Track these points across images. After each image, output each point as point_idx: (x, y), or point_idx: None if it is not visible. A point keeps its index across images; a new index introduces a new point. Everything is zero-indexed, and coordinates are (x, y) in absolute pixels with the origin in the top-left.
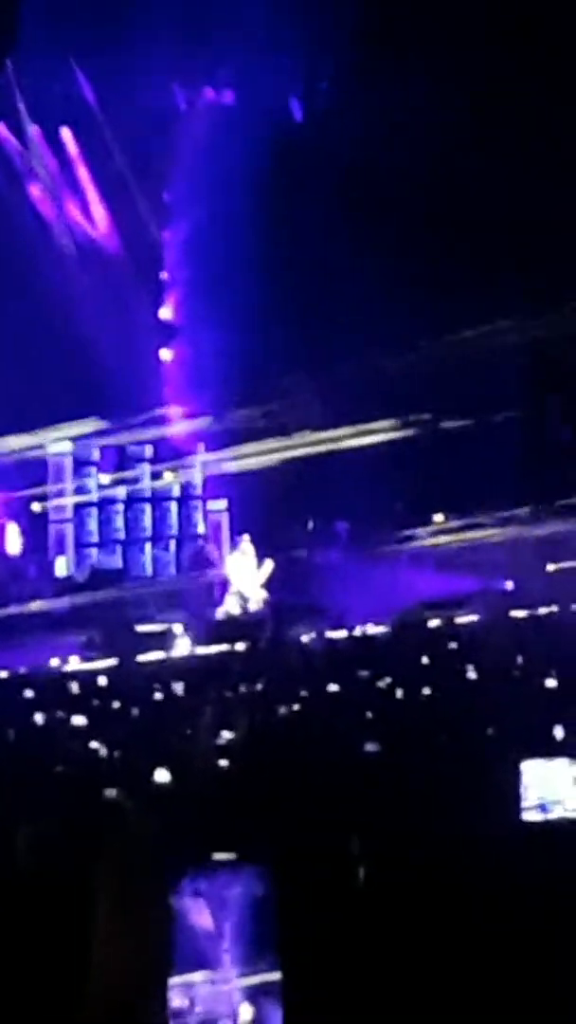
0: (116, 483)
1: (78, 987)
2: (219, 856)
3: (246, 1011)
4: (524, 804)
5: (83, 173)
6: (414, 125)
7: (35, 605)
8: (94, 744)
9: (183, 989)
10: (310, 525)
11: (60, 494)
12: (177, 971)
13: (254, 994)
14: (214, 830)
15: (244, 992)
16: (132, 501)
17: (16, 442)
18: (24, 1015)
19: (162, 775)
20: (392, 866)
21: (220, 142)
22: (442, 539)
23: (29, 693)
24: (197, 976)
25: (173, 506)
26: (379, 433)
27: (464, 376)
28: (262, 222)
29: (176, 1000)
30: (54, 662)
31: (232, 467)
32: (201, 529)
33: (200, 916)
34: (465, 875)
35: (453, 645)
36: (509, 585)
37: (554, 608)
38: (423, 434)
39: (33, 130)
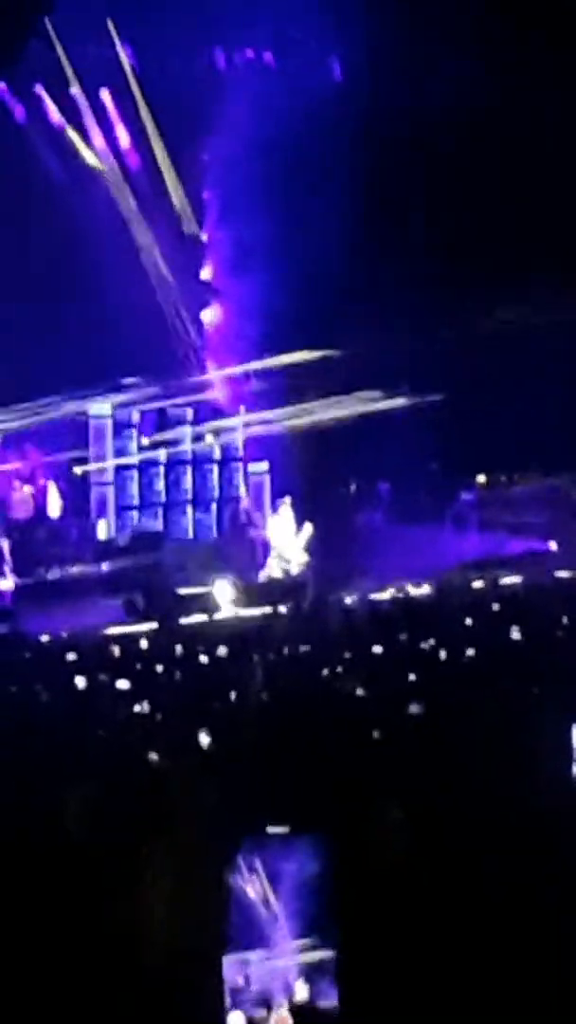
0: (157, 446)
1: (131, 961)
2: (273, 829)
3: (301, 988)
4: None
5: (123, 134)
6: (456, 85)
7: (76, 568)
8: (137, 708)
9: (238, 965)
10: (352, 487)
11: (101, 457)
12: (232, 947)
13: (309, 971)
14: (260, 800)
15: (299, 969)
16: (173, 464)
17: (57, 402)
18: (75, 989)
19: (204, 740)
20: (440, 831)
21: (260, 102)
22: (486, 500)
23: (71, 656)
24: (252, 953)
25: (214, 469)
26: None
27: (509, 339)
28: (302, 183)
29: (231, 976)
30: (96, 625)
31: (274, 429)
32: (243, 492)
33: (257, 890)
34: (515, 838)
35: (496, 607)
36: (553, 546)
37: None
38: (466, 395)
39: (73, 91)
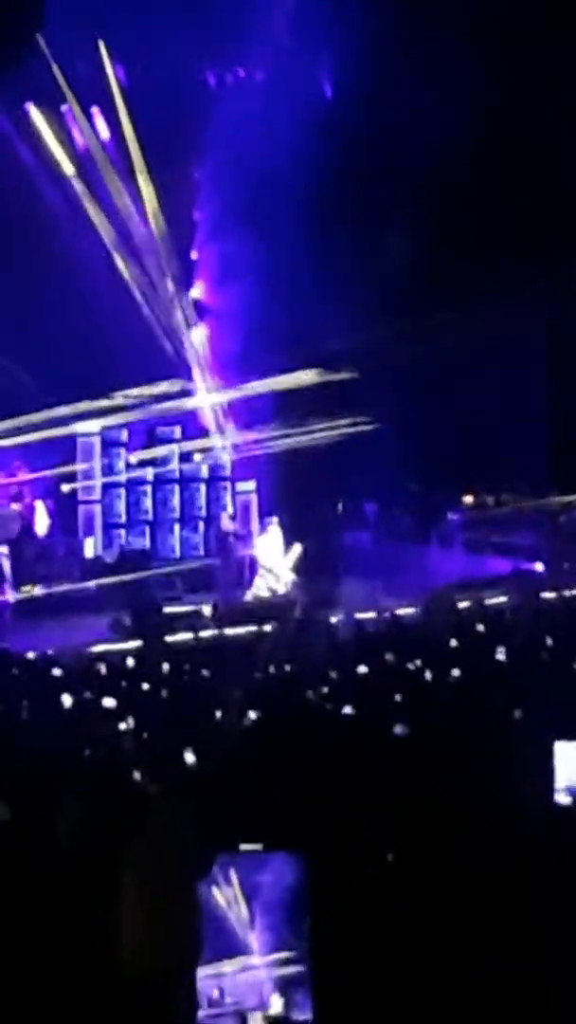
0: (144, 464)
1: (108, 972)
2: (247, 847)
3: (276, 1001)
4: (556, 786)
5: (112, 152)
6: (446, 104)
7: (63, 586)
8: (122, 726)
9: (214, 978)
10: (339, 507)
11: (89, 475)
12: (207, 960)
13: (284, 984)
14: (243, 817)
15: (274, 982)
16: (160, 482)
17: (44, 419)
18: (54, 999)
19: (189, 758)
20: (422, 850)
21: (251, 120)
22: (472, 520)
23: (57, 673)
24: (227, 966)
25: (202, 487)
26: (407, 413)
27: (493, 355)
28: (293, 200)
29: (207, 989)
30: (83, 643)
31: (261, 448)
32: (230, 510)
33: (233, 904)
34: (496, 859)
35: (482, 627)
36: (539, 566)
37: None
38: (453, 414)
39: (65, 108)
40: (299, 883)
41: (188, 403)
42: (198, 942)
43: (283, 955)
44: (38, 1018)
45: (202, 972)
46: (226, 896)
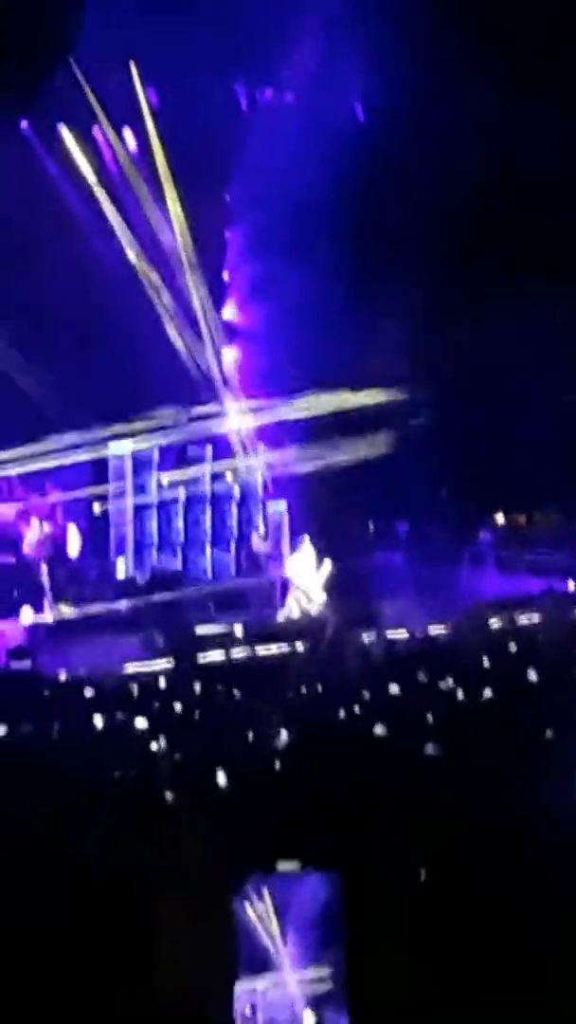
0: (176, 484)
1: (142, 989)
2: (284, 866)
3: (308, 1018)
4: None
5: (142, 172)
6: (476, 126)
7: (95, 607)
8: (154, 747)
9: (246, 995)
10: (371, 526)
11: (120, 495)
12: (242, 976)
13: (316, 1001)
14: (277, 836)
15: (306, 999)
16: (192, 502)
17: (76, 441)
18: (87, 1018)
19: (222, 779)
20: (455, 869)
21: (281, 142)
22: (504, 539)
23: (89, 694)
24: (261, 982)
25: (233, 507)
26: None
27: (529, 377)
28: (324, 222)
29: (239, 1006)
30: (115, 663)
31: (293, 468)
32: (261, 530)
33: (266, 922)
34: (528, 879)
35: (514, 647)
36: (572, 585)
37: None
38: (485, 433)
39: (94, 130)
40: (333, 901)
41: (219, 423)
42: (232, 959)
43: (316, 972)
44: None
45: (236, 988)
46: (260, 913)
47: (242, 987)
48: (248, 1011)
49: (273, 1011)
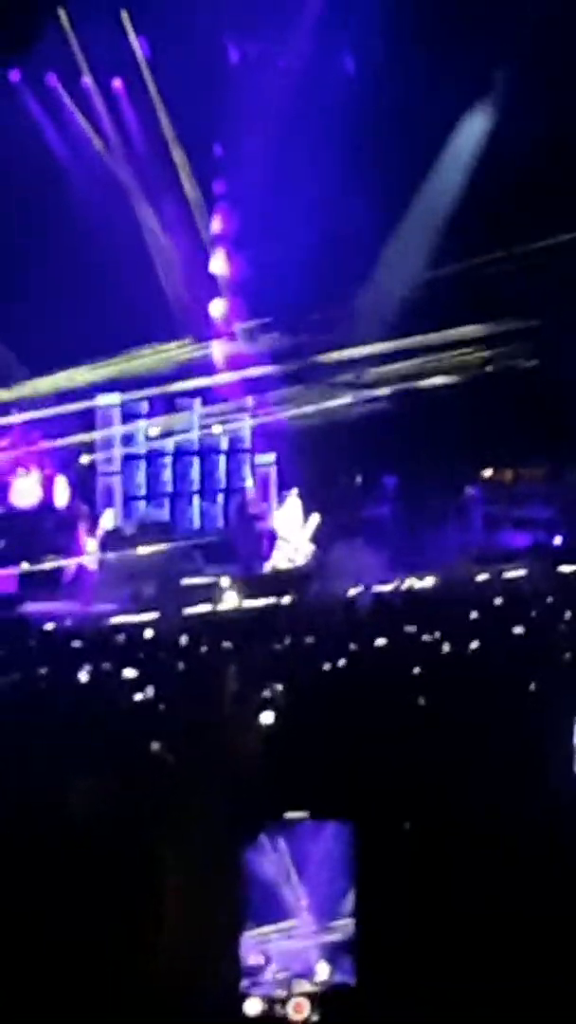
0: (164, 435)
1: (147, 944)
2: (292, 815)
3: (323, 969)
4: None
5: (135, 125)
6: (469, 83)
7: (82, 557)
8: (141, 697)
9: (258, 943)
10: (358, 479)
11: (108, 446)
12: (249, 927)
13: (331, 950)
14: (270, 785)
15: (321, 949)
16: (180, 454)
17: (62, 383)
18: (91, 973)
19: (211, 729)
20: (442, 824)
21: (273, 97)
22: (491, 494)
23: (76, 644)
24: (273, 931)
25: (221, 459)
26: (428, 382)
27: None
28: (313, 175)
29: (251, 954)
30: (101, 614)
31: (280, 421)
32: (249, 483)
33: (272, 869)
34: (519, 832)
35: (500, 600)
36: (557, 540)
37: None
38: (472, 388)
39: (85, 81)
40: (344, 850)
41: (208, 374)
42: (239, 913)
43: (330, 922)
44: (73, 990)
45: (246, 938)
46: (271, 862)
47: (253, 936)
48: (261, 960)
49: (286, 961)
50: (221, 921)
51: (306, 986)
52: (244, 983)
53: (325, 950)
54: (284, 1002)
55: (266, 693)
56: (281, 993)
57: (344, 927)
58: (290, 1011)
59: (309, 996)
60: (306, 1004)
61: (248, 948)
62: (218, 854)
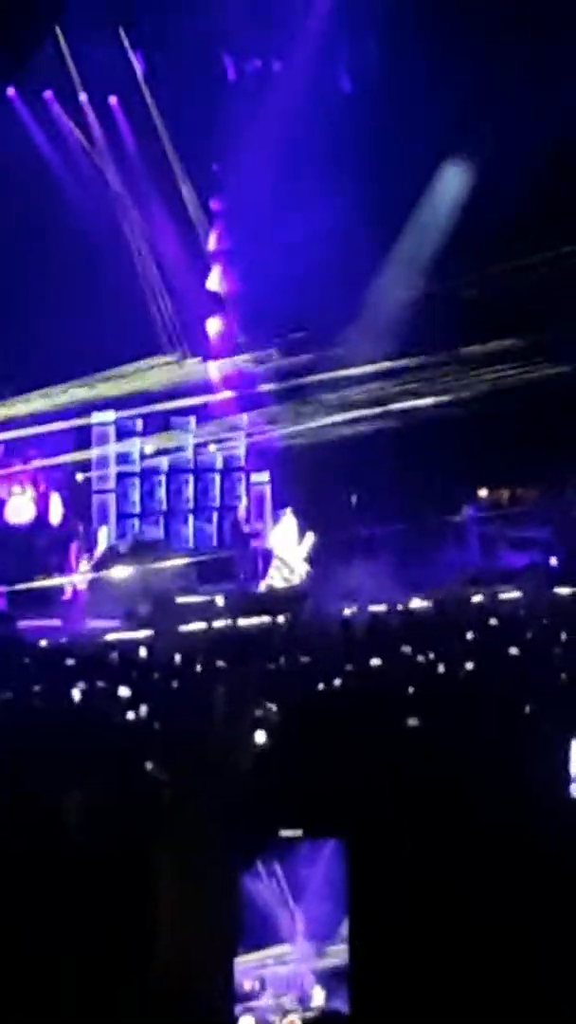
0: (159, 453)
1: (139, 965)
2: (287, 833)
3: (319, 994)
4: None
5: (131, 142)
6: (465, 97)
7: (76, 575)
8: (134, 715)
9: (253, 969)
10: (353, 498)
11: (103, 464)
12: (244, 950)
13: (326, 975)
14: (266, 807)
15: (316, 973)
16: (175, 472)
17: (57, 400)
18: (83, 996)
19: (203, 748)
20: (435, 844)
21: (271, 114)
22: (487, 514)
23: (70, 662)
24: (268, 956)
25: (216, 478)
26: (424, 401)
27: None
28: (311, 191)
29: (246, 982)
30: (95, 632)
31: (276, 440)
32: (244, 501)
33: (268, 894)
34: (514, 855)
35: (496, 621)
36: (553, 561)
37: None
38: (469, 404)
39: (81, 97)
40: (340, 871)
41: (204, 393)
42: (232, 932)
43: (326, 946)
44: (67, 1013)
45: (241, 963)
46: (266, 886)
47: (248, 961)
48: (256, 986)
49: (281, 986)
50: (215, 944)
51: (300, 1010)
52: (238, 1008)
53: (321, 976)
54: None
55: (260, 712)
56: (274, 1017)
57: (339, 952)
58: None
59: (301, 1019)
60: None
61: (243, 973)
62: (213, 876)
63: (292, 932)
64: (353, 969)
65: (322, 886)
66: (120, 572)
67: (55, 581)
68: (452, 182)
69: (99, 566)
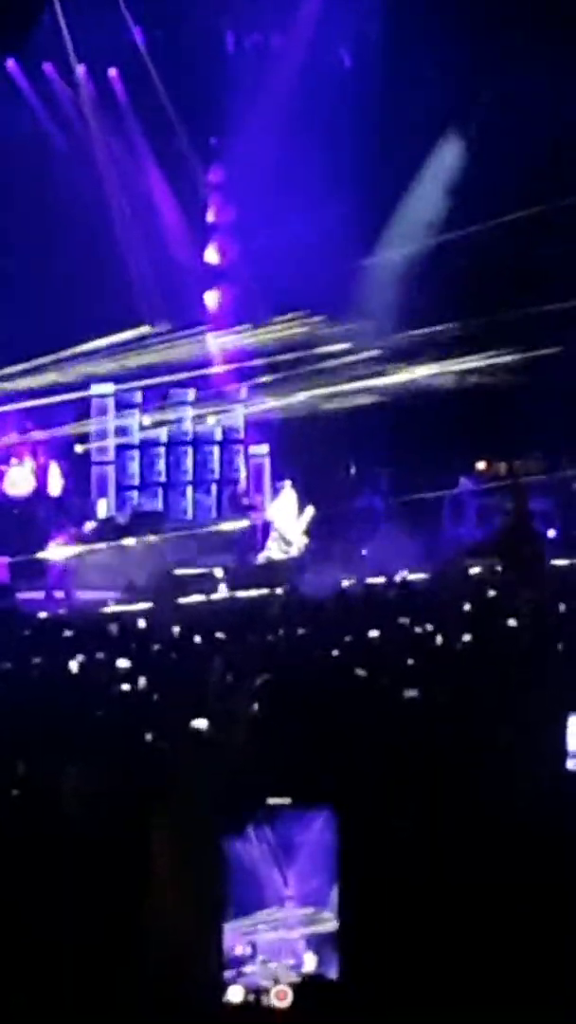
0: (158, 425)
1: (132, 934)
2: (274, 801)
3: (310, 959)
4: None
5: (129, 115)
6: (466, 71)
7: (76, 547)
8: (134, 686)
9: (245, 935)
10: (352, 470)
11: (102, 436)
12: (235, 917)
13: (318, 941)
14: (261, 775)
15: (308, 940)
16: (174, 444)
17: (57, 372)
18: (76, 963)
19: (201, 720)
20: (432, 815)
21: (268, 86)
22: (485, 486)
23: (69, 634)
24: (260, 922)
25: (215, 450)
26: (422, 373)
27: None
28: (308, 166)
29: (237, 947)
30: (94, 604)
31: (274, 411)
32: (243, 473)
33: (259, 862)
34: (510, 825)
35: (493, 593)
36: (551, 533)
37: None
38: (467, 378)
39: (79, 70)
40: (333, 838)
41: (202, 365)
42: (222, 900)
43: (317, 912)
44: (58, 981)
45: (233, 929)
46: (259, 852)
47: (239, 927)
48: (248, 951)
49: (273, 952)
50: (202, 911)
51: (292, 976)
52: (230, 973)
53: (312, 941)
54: (267, 990)
55: (258, 683)
56: (266, 983)
57: (331, 918)
58: (273, 999)
59: (292, 984)
60: (289, 992)
61: (234, 938)
62: (208, 843)
63: (283, 898)
64: (342, 936)
65: (315, 852)
66: (118, 544)
67: (52, 552)
68: (450, 155)
69: (94, 537)
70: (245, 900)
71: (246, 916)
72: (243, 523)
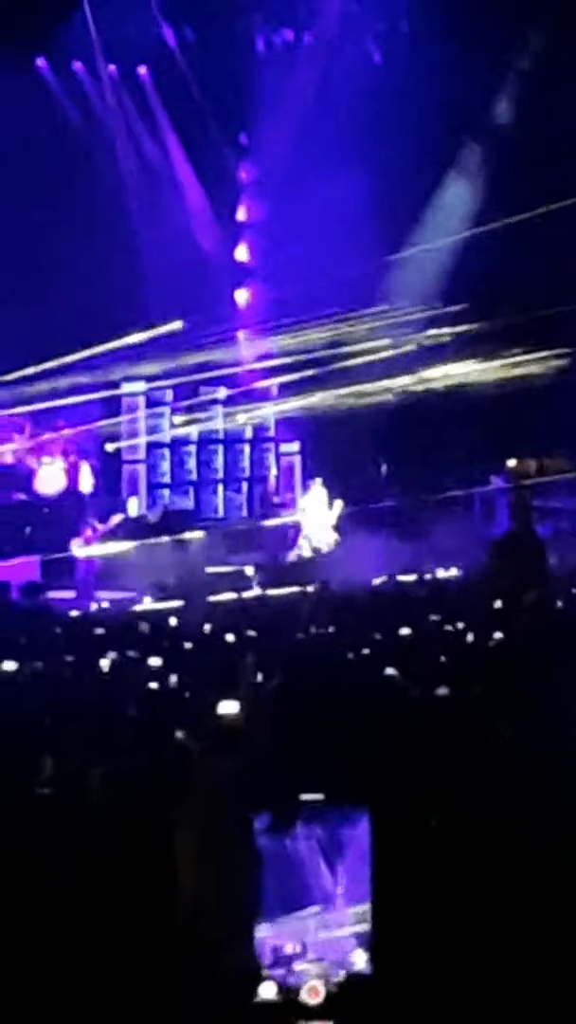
0: (189, 424)
1: (163, 930)
2: (307, 797)
3: (360, 957)
4: None
5: (160, 113)
6: (496, 65)
7: (107, 545)
8: (165, 684)
9: (295, 933)
10: (383, 468)
11: (133, 434)
12: (283, 915)
13: (364, 940)
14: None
15: (358, 937)
16: (204, 442)
17: (89, 380)
18: (109, 960)
19: (233, 716)
20: (465, 814)
21: (297, 83)
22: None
23: (99, 632)
24: (306, 921)
25: (245, 448)
26: (453, 371)
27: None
28: (338, 163)
29: (287, 944)
30: (125, 602)
31: (305, 409)
32: (273, 472)
33: (306, 860)
34: (538, 823)
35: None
36: None
37: None
38: (498, 375)
39: (110, 69)
40: (365, 836)
41: (233, 365)
42: (254, 896)
43: (361, 909)
44: (93, 977)
45: (282, 927)
46: (307, 849)
47: (288, 924)
48: (297, 949)
49: (322, 949)
50: (240, 906)
51: (340, 974)
52: (277, 971)
53: (362, 939)
54: (299, 988)
55: (288, 681)
56: (312, 981)
57: (362, 916)
58: (304, 995)
59: (338, 983)
60: (321, 988)
61: (284, 936)
62: (239, 841)
63: (333, 896)
64: (375, 934)
65: (365, 851)
66: (149, 542)
67: (83, 551)
68: (483, 148)
69: (124, 535)
70: (292, 898)
71: (295, 914)
72: (274, 521)
